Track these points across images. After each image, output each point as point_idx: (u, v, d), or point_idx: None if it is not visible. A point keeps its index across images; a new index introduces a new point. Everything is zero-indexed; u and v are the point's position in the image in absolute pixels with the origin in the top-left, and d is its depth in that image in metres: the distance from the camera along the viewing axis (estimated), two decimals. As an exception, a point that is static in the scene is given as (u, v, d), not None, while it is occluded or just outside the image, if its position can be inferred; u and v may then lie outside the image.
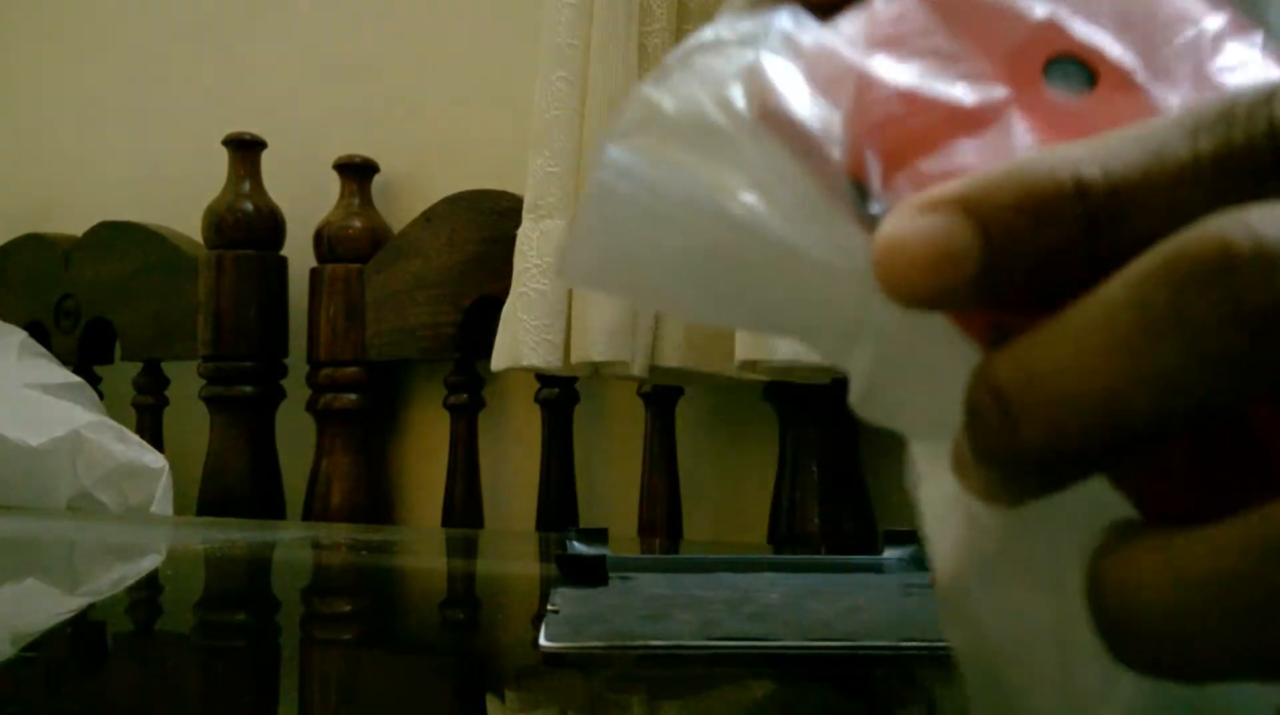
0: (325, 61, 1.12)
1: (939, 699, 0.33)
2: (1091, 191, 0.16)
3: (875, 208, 0.18)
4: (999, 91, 0.19)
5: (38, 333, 1.12)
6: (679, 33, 0.82)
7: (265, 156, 1.05)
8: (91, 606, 0.52)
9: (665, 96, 0.20)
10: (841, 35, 0.20)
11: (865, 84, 0.19)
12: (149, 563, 0.69)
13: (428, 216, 0.97)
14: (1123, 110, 0.19)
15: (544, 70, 0.82)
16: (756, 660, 0.36)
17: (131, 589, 0.58)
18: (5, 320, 1.10)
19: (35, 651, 0.41)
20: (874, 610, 0.41)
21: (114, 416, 1.01)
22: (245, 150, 1.04)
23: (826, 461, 0.80)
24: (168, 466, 0.97)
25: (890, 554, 0.53)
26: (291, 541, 0.78)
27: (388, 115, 1.08)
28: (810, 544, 0.79)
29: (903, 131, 0.19)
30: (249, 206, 1.02)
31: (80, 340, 1.13)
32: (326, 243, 1.00)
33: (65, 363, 1.09)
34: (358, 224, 1.00)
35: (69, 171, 1.27)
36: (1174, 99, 0.20)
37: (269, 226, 1.03)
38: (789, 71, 0.19)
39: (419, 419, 1.04)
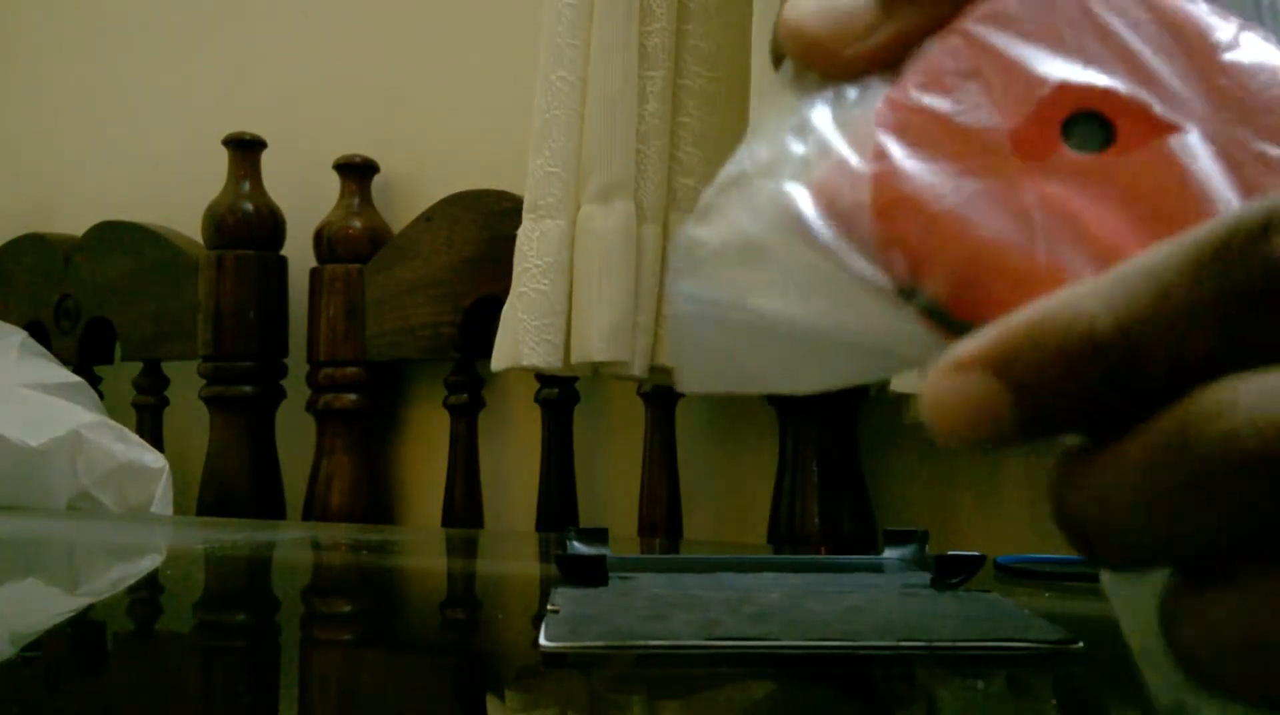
0: (325, 61, 1.12)
1: (939, 699, 0.33)
2: (1107, 343, 0.17)
3: (913, 298, 0.20)
4: (1013, 167, 0.20)
5: (38, 333, 1.12)
6: (679, 33, 0.82)
7: (265, 156, 1.05)
8: (91, 606, 0.52)
9: (709, 232, 0.22)
10: (855, 135, 0.21)
11: (881, 189, 0.21)
12: (149, 563, 0.69)
13: (428, 216, 0.97)
14: (1141, 164, 0.20)
15: (544, 70, 0.82)
16: (756, 660, 0.36)
17: (131, 589, 0.58)
18: (5, 320, 1.10)
19: (35, 651, 0.41)
20: (874, 610, 0.41)
21: (114, 416, 1.01)
22: (245, 150, 1.04)
23: (826, 461, 0.80)
24: (168, 466, 0.97)
25: (890, 554, 0.53)
26: (291, 541, 0.78)
27: (388, 115, 1.08)
28: (810, 544, 0.79)
29: (919, 228, 0.20)
30: (249, 206, 1.02)
31: (80, 340, 1.13)
32: (326, 243, 1.00)
33: (65, 363, 1.09)
34: (358, 224, 1.00)
35: (69, 171, 1.28)
36: (1192, 127, 0.21)
37: (269, 226, 1.03)
38: (805, 197, 0.21)
39: (419, 419, 1.04)
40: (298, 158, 1.09)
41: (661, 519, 0.86)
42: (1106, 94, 0.21)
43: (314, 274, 1.01)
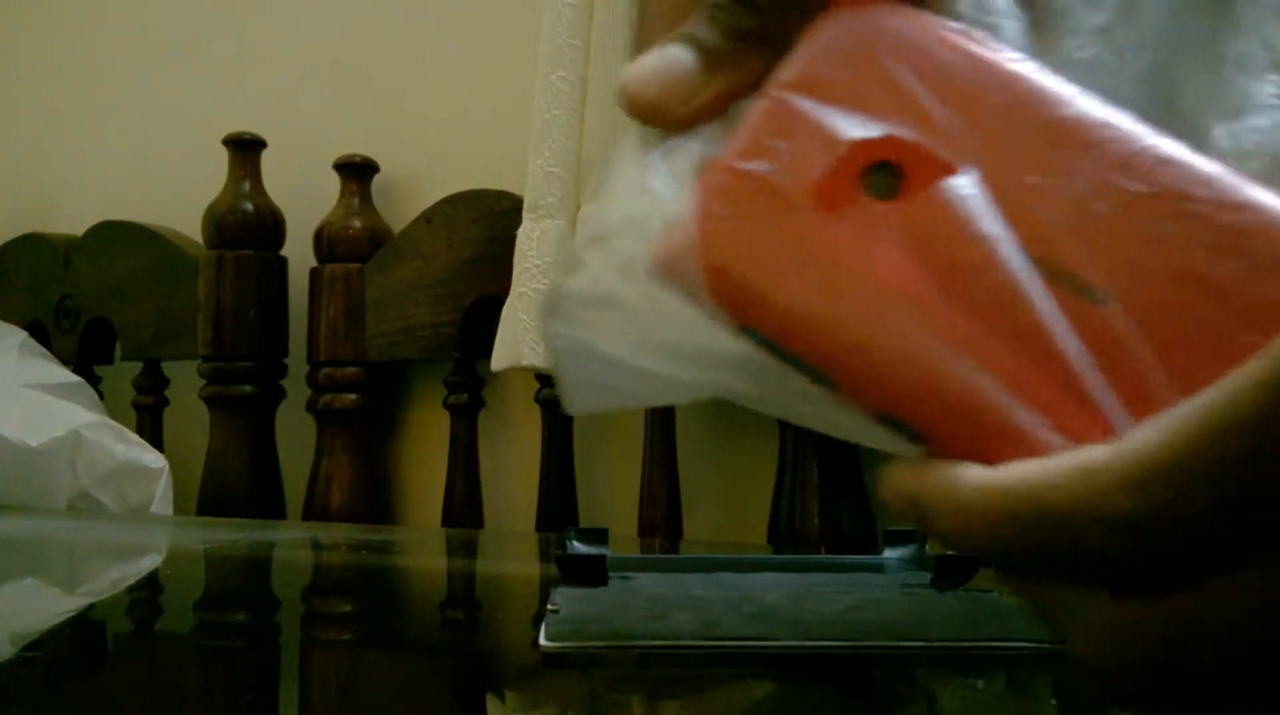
0: (325, 61, 1.12)
1: (939, 699, 0.33)
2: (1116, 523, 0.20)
3: (748, 336, 0.24)
4: (817, 220, 0.24)
5: (38, 333, 1.12)
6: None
7: (265, 156, 1.05)
8: (91, 606, 0.52)
9: (574, 284, 0.26)
10: (688, 193, 0.25)
11: (707, 249, 0.24)
12: (149, 563, 0.69)
13: (428, 216, 0.97)
14: (922, 206, 0.23)
15: (544, 70, 0.82)
16: (756, 660, 0.36)
17: (131, 589, 0.58)
18: (5, 320, 1.10)
19: (35, 651, 0.41)
20: (874, 610, 0.41)
21: (114, 416, 1.01)
22: (245, 150, 1.04)
23: (826, 461, 0.80)
24: (168, 466, 0.97)
25: (890, 554, 0.53)
26: (291, 541, 0.78)
27: (388, 115, 1.08)
28: (810, 544, 0.79)
29: (741, 280, 0.24)
30: (249, 206, 1.02)
31: (80, 340, 1.13)
32: (326, 243, 1.00)
33: (65, 363, 1.09)
34: (358, 224, 1.00)
35: (69, 171, 1.28)
36: (968, 167, 0.24)
37: (269, 226, 1.03)
38: (649, 257, 0.25)
39: (419, 419, 1.04)
40: (298, 158, 1.09)
41: (661, 519, 0.86)
42: (892, 143, 0.24)
43: (314, 274, 1.01)
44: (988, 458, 0.22)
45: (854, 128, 0.24)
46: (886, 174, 0.24)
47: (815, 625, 0.38)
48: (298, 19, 1.14)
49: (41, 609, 0.50)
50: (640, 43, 0.27)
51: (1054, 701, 0.33)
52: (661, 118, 0.26)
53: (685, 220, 0.24)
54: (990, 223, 0.23)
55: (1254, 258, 0.22)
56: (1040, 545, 0.20)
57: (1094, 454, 0.19)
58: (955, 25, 0.26)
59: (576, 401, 0.27)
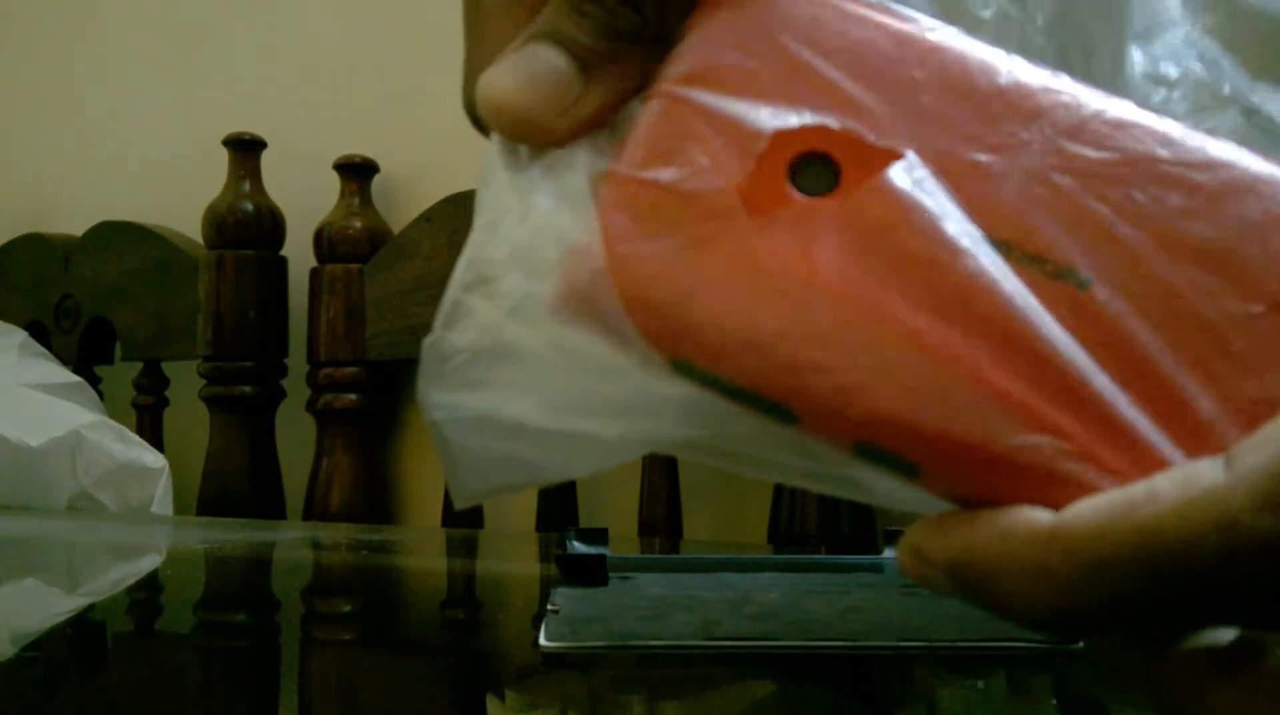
0: (325, 61, 1.12)
1: (939, 699, 0.33)
2: (1041, 621, 0.20)
3: (687, 373, 0.20)
4: (745, 226, 0.20)
5: (38, 333, 1.12)
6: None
7: (265, 156, 1.05)
8: (91, 606, 0.52)
9: (459, 336, 0.22)
10: (582, 213, 0.21)
11: (622, 278, 0.20)
12: (149, 563, 0.69)
13: (428, 216, 0.97)
14: (866, 198, 0.20)
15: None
16: (756, 660, 0.36)
17: (131, 589, 0.58)
18: (5, 320, 1.10)
19: (35, 651, 0.41)
20: (874, 610, 0.41)
21: (114, 416, 1.01)
22: (245, 150, 1.04)
23: (826, 461, 0.80)
24: (168, 466, 0.97)
25: (890, 554, 0.53)
26: (291, 541, 0.78)
27: (388, 115, 1.08)
28: (810, 544, 0.79)
29: (668, 308, 0.20)
30: (249, 206, 1.02)
31: (80, 340, 1.13)
32: (326, 243, 1.00)
33: (65, 363, 1.09)
34: (358, 224, 1.00)
35: (69, 171, 1.27)
36: (907, 149, 0.21)
37: (269, 226, 1.03)
38: (553, 295, 0.21)
39: (419, 419, 1.04)
40: (298, 158, 1.09)
41: (661, 519, 0.86)
42: (821, 132, 0.21)
43: (314, 274, 1.01)
44: (998, 481, 0.19)
45: (772, 118, 0.21)
46: (819, 168, 0.21)
47: (815, 625, 0.38)
48: (298, 19, 1.14)
49: (41, 609, 0.50)
50: (481, 41, 0.23)
51: (1054, 701, 0.33)
52: (535, 131, 0.22)
53: (589, 245, 0.21)
54: (945, 209, 0.20)
55: (1241, 219, 0.20)
56: (1171, 590, 0.17)
57: (1207, 475, 0.17)
58: None
59: (468, 486, 0.23)
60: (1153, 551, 0.17)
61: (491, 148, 0.24)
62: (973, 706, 0.33)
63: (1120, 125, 0.21)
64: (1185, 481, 0.17)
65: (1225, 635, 0.19)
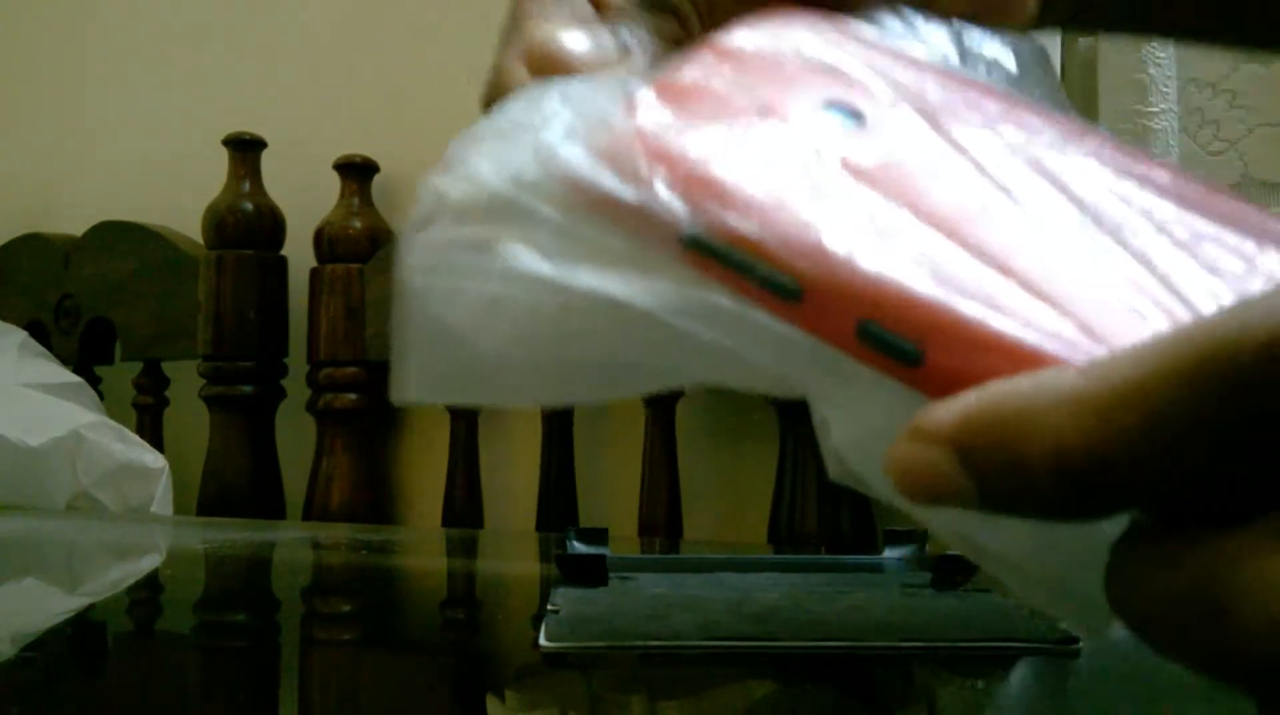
0: (325, 61, 1.12)
1: (939, 699, 0.33)
2: (1074, 465, 0.16)
3: (691, 231, 0.19)
4: (772, 119, 0.21)
5: (38, 333, 1.12)
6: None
7: (265, 156, 1.05)
8: (91, 606, 0.52)
9: (453, 184, 0.20)
10: (617, 102, 0.22)
11: (648, 136, 0.20)
12: (149, 563, 0.69)
13: (428, 216, 0.97)
14: (891, 127, 0.21)
15: (544, 70, 0.82)
16: (756, 660, 0.36)
17: (131, 589, 0.58)
18: (5, 320, 1.10)
19: (35, 651, 0.41)
20: (874, 610, 0.41)
21: (114, 416, 1.01)
22: (245, 150, 1.04)
23: (826, 461, 0.80)
24: (168, 466, 0.97)
25: (890, 554, 0.53)
26: (291, 541, 0.78)
27: (388, 115, 1.08)
28: (810, 544, 0.79)
29: (691, 166, 0.20)
30: (249, 206, 1.02)
31: (80, 340, 1.13)
32: (326, 243, 1.00)
33: (65, 363, 1.09)
34: (358, 224, 1.00)
35: (69, 171, 1.27)
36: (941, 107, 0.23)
37: (269, 226, 1.03)
38: (571, 149, 0.20)
39: (419, 419, 1.04)
40: (298, 158, 1.08)
41: (661, 519, 0.86)
42: (856, 94, 0.22)
43: (314, 274, 1.01)
44: (1011, 370, 0.17)
45: (807, 60, 0.23)
46: (845, 111, 0.22)
47: (815, 625, 0.38)
48: (298, 19, 1.14)
49: (41, 609, 0.50)
50: (522, 36, 0.25)
51: (1054, 701, 0.34)
52: (573, 71, 0.24)
53: (619, 118, 0.20)
54: (966, 147, 0.21)
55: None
56: (1223, 398, 0.15)
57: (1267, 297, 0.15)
58: (875, 30, 0.25)
59: (418, 378, 0.21)
60: (1207, 359, 0.15)
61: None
62: (973, 706, 0.33)
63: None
64: (1236, 304, 0.16)
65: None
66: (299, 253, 1.03)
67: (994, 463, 0.16)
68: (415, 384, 0.21)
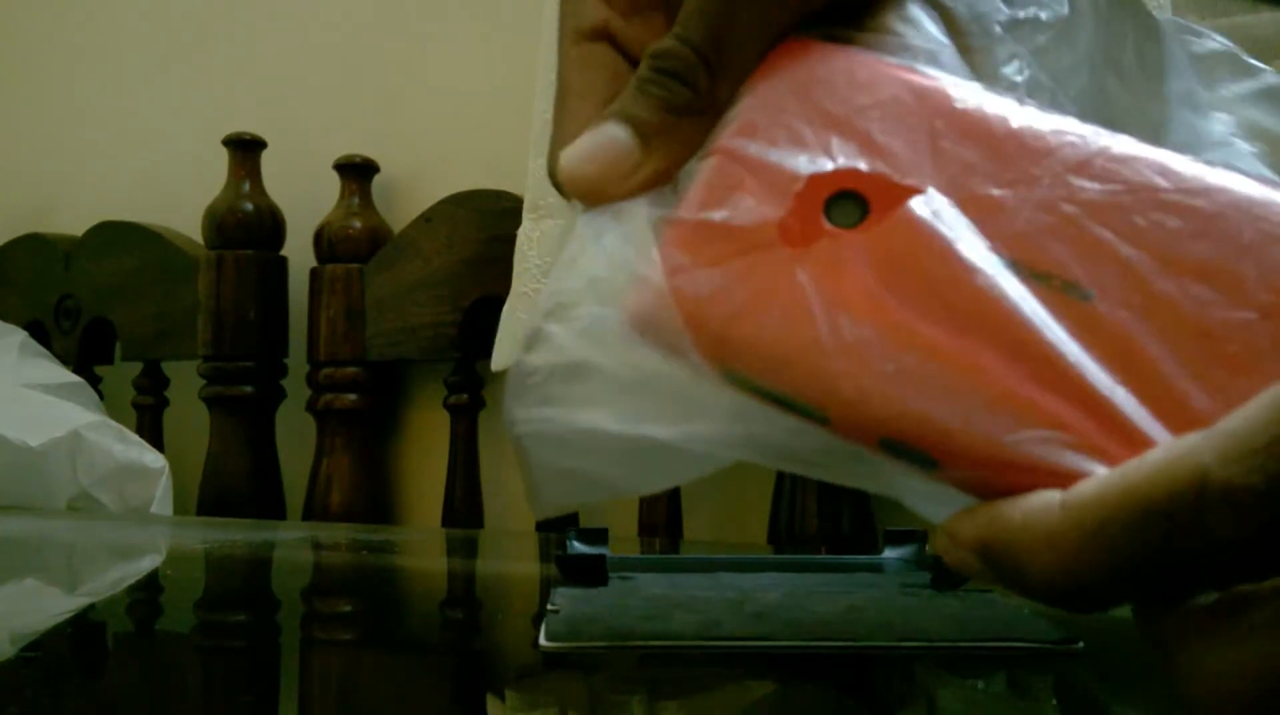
0: (325, 61, 1.12)
1: (939, 699, 0.33)
2: (1057, 586, 0.21)
3: (736, 383, 0.23)
4: (785, 256, 0.24)
5: (38, 333, 1.12)
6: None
7: (265, 156, 1.05)
8: (91, 606, 0.52)
9: (537, 358, 0.25)
10: (647, 253, 0.25)
11: (682, 300, 0.23)
12: (149, 563, 0.69)
13: (428, 216, 0.97)
14: (892, 228, 0.23)
15: (544, 70, 0.82)
16: (756, 660, 0.36)
17: (131, 589, 0.58)
18: (5, 320, 1.10)
19: (35, 651, 0.41)
20: (874, 610, 0.41)
21: (114, 416, 1.01)
22: (245, 150, 1.04)
23: (826, 461, 0.80)
24: (168, 466, 0.97)
25: (890, 554, 0.53)
26: (291, 541, 0.78)
27: (388, 115, 1.08)
28: (810, 544, 0.79)
29: (721, 326, 0.23)
30: (249, 206, 1.02)
31: (80, 340, 1.13)
32: (326, 243, 1.00)
33: (65, 363, 1.09)
34: (358, 224, 1.00)
35: (69, 171, 1.28)
36: (928, 186, 0.24)
37: (269, 226, 1.03)
38: (620, 317, 0.24)
39: (419, 419, 1.04)
40: (298, 158, 1.09)
41: (661, 519, 0.86)
42: (852, 174, 0.24)
43: (314, 274, 1.01)
44: (1009, 473, 0.21)
45: (809, 163, 0.24)
46: (850, 204, 0.24)
47: (815, 625, 0.38)
48: (298, 19, 1.14)
49: (41, 609, 0.50)
50: (565, 122, 0.28)
51: (1054, 701, 0.34)
52: (601, 196, 0.26)
53: (652, 275, 0.24)
54: (959, 233, 0.23)
55: (1235, 237, 0.22)
56: (1161, 547, 0.19)
57: (1190, 439, 0.19)
58: (891, 59, 0.26)
59: (547, 496, 0.25)
60: (1140, 509, 0.19)
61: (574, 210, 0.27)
62: (973, 706, 0.33)
63: (1123, 160, 0.23)
64: (1171, 446, 0.19)
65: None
66: (299, 253, 1.03)
67: (1007, 574, 0.21)
68: (545, 500, 0.26)
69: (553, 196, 0.82)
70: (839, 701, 0.34)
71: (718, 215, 0.24)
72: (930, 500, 0.23)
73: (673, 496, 0.87)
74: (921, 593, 0.45)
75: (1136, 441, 0.21)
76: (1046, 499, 0.20)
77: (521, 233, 0.84)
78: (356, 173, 1.02)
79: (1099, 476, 0.20)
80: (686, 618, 0.39)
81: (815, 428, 0.23)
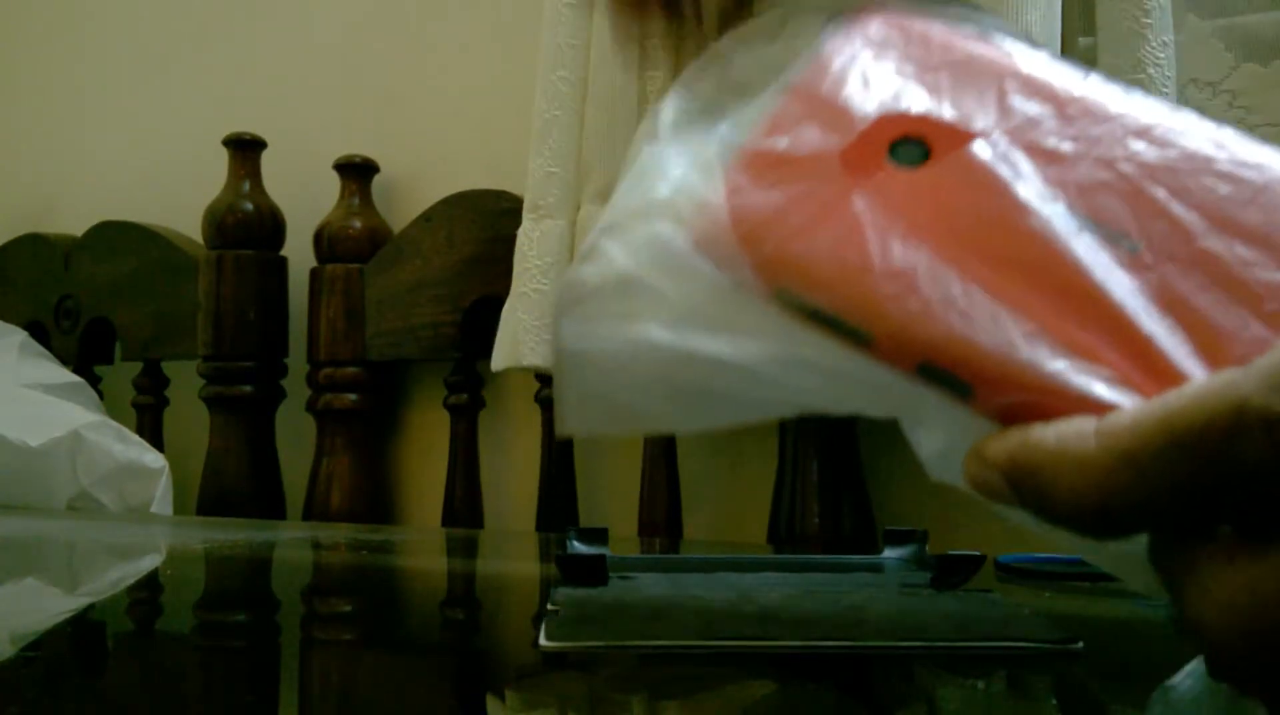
0: (325, 61, 1.12)
1: (939, 699, 0.33)
2: (1087, 507, 0.21)
3: (784, 300, 0.24)
4: (845, 184, 0.24)
5: (38, 333, 1.12)
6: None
7: (265, 156, 1.05)
8: (91, 606, 0.52)
9: (589, 271, 0.25)
10: (710, 178, 0.25)
11: (738, 218, 0.24)
12: (149, 563, 0.69)
13: (428, 216, 0.97)
14: (953, 168, 0.24)
15: (544, 70, 0.82)
16: (756, 660, 0.36)
17: (131, 589, 0.58)
18: (5, 320, 1.10)
19: (35, 651, 0.41)
20: (874, 610, 0.41)
21: (114, 416, 1.01)
22: (245, 150, 1.04)
23: (826, 461, 0.80)
24: (168, 466, 0.97)
25: (890, 554, 0.53)
26: (291, 541, 0.78)
27: (388, 115, 1.08)
28: (810, 544, 0.79)
29: (774, 245, 0.24)
30: (249, 206, 1.02)
31: (80, 340, 1.13)
32: (326, 243, 1.00)
33: (65, 363, 1.09)
34: (358, 224, 1.00)
35: (69, 171, 1.28)
36: (994, 134, 0.25)
37: (269, 226, 1.03)
38: (675, 233, 0.25)
39: (419, 419, 1.04)
40: (298, 158, 1.09)
41: (661, 519, 0.86)
42: (920, 119, 0.25)
43: (314, 274, 1.01)
44: (1043, 403, 0.22)
45: (878, 106, 0.25)
46: (914, 148, 0.25)
47: (815, 625, 0.38)
48: (298, 19, 1.14)
49: (41, 609, 0.50)
50: None
51: (1054, 701, 0.33)
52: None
53: (714, 196, 0.25)
54: (1020, 175, 0.24)
55: None
56: (1193, 473, 0.19)
57: (1227, 373, 0.20)
58: (967, 28, 0.27)
59: (577, 418, 0.26)
60: (1175, 435, 0.19)
61: (642, 128, 0.28)
62: (973, 706, 0.33)
63: (1182, 131, 0.24)
64: (1208, 380, 0.20)
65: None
66: (299, 253, 1.03)
67: (1032, 494, 0.22)
68: (574, 421, 0.26)
69: (553, 197, 0.82)
70: (839, 701, 0.34)
71: (782, 144, 0.25)
72: (943, 453, 0.24)
73: (673, 496, 0.87)
74: (921, 593, 0.45)
75: (1176, 381, 0.21)
76: (1080, 425, 0.21)
77: (521, 233, 0.84)
78: (356, 173, 1.02)
79: (1134, 406, 0.21)
80: (686, 618, 0.39)
81: (857, 351, 0.23)
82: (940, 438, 0.24)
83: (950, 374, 0.23)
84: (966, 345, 0.22)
